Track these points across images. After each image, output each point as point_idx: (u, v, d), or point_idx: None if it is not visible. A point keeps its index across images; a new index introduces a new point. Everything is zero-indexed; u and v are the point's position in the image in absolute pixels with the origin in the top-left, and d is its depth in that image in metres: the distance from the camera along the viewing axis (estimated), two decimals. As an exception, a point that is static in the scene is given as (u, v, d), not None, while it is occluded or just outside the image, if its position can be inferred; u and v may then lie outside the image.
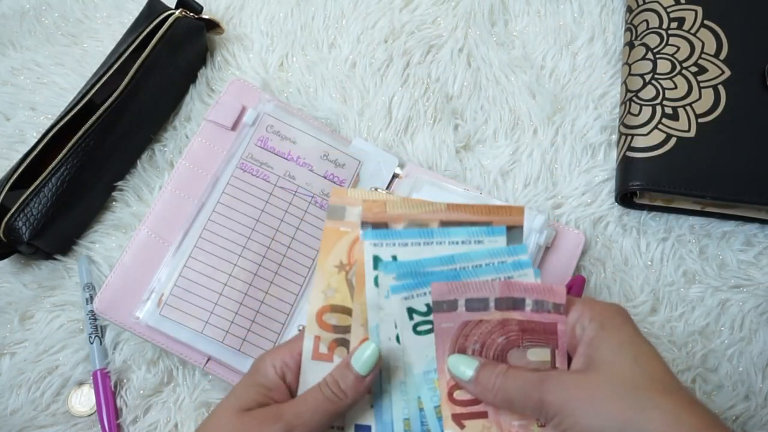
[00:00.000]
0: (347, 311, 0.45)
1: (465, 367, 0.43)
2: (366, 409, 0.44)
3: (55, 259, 0.62)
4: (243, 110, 0.62)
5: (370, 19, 0.69)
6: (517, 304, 0.44)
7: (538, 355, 0.45)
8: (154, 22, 0.62)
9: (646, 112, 0.62)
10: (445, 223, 0.46)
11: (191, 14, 0.64)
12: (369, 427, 0.44)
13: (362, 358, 0.43)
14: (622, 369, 0.41)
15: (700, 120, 0.61)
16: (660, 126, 0.61)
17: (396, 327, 0.44)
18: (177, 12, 0.63)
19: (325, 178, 0.61)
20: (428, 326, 0.44)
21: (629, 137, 0.62)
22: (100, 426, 0.57)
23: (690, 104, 0.61)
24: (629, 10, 0.67)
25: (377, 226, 0.45)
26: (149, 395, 0.58)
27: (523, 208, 0.46)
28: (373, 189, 0.51)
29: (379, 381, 0.44)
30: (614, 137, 0.65)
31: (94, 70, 0.64)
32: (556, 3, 0.70)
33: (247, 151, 0.60)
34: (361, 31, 0.69)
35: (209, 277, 0.57)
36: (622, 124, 0.63)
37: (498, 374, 0.42)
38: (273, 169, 0.60)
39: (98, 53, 0.68)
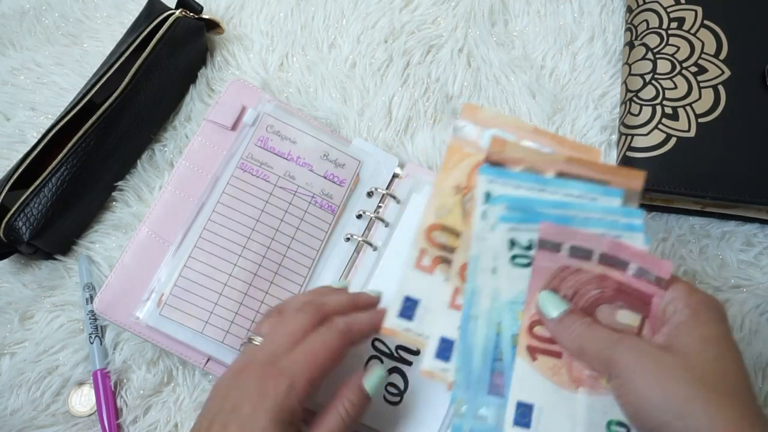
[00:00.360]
0: (456, 233, 0.46)
1: (553, 306, 0.44)
2: (452, 327, 0.45)
3: (55, 259, 0.62)
4: (243, 110, 0.62)
5: (370, 19, 0.69)
6: (620, 265, 0.45)
7: (628, 318, 0.45)
8: (154, 22, 0.62)
9: (646, 112, 0.62)
10: (561, 175, 0.46)
11: (191, 14, 0.64)
12: (452, 342, 0.44)
13: (372, 381, 0.47)
14: (700, 362, 0.40)
15: (700, 120, 0.61)
16: (660, 126, 0.61)
17: (494, 259, 0.45)
18: (177, 12, 0.63)
19: (325, 178, 0.61)
20: (525, 260, 0.45)
21: (629, 137, 0.62)
22: (100, 426, 0.57)
23: (690, 104, 0.61)
24: (629, 10, 0.67)
25: (495, 163, 0.46)
26: (149, 395, 0.58)
27: (643, 173, 0.46)
28: (495, 113, 0.49)
29: (468, 305, 0.45)
30: (614, 137, 0.65)
31: (94, 70, 0.64)
32: (556, 3, 0.70)
33: (247, 151, 0.60)
34: (361, 31, 0.69)
35: (209, 277, 0.57)
36: (622, 124, 0.63)
37: (582, 323, 0.43)
38: (273, 169, 0.60)
39: (98, 53, 0.68)
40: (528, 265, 0.45)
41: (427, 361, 0.43)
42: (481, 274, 0.45)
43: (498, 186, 0.46)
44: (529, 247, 0.45)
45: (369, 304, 0.51)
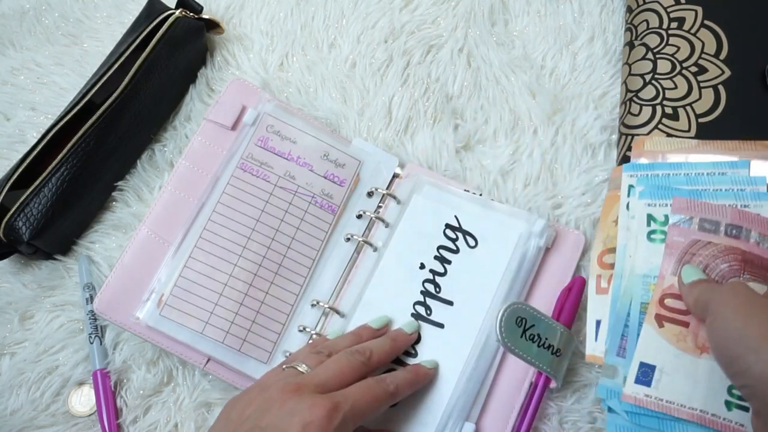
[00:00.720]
0: None
1: (690, 275, 0.48)
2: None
3: (55, 259, 0.62)
4: (243, 110, 0.62)
5: (370, 19, 0.69)
6: (744, 234, 0.49)
7: (756, 289, 0.48)
8: (154, 22, 0.62)
9: (646, 112, 0.62)
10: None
11: (191, 14, 0.64)
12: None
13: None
14: None
15: (700, 120, 0.61)
16: (660, 126, 0.61)
17: (635, 239, 0.52)
18: (177, 12, 0.63)
19: (325, 178, 0.61)
20: (662, 236, 0.51)
21: (629, 137, 0.62)
22: (100, 426, 0.57)
23: (690, 104, 0.61)
24: (629, 10, 0.67)
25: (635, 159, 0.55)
26: (149, 395, 0.58)
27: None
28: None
29: (615, 288, 0.52)
30: (614, 137, 0.65)
31: (94, 70, 0.64)
32: (556, 3, 0.70)
33: (247, 150, 0.60)
34: (361, 31, 0.69)
35: (209, 277, 0.57)
36: (622, 124, 0.63)
37: (706, 284, 0.47)
38: (273, 169, 0.60)
39: (98, 53, 0.68)
40: (663, 240, 0.51)
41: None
42: (626, 261, 0.52)
43: (638, 177, 0.54)
44: (665, 222, 0.51)
45: (406, 343, 0.56)
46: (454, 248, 0.59)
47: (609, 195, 0.57)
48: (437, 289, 0.58)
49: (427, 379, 0.55)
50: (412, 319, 0.57)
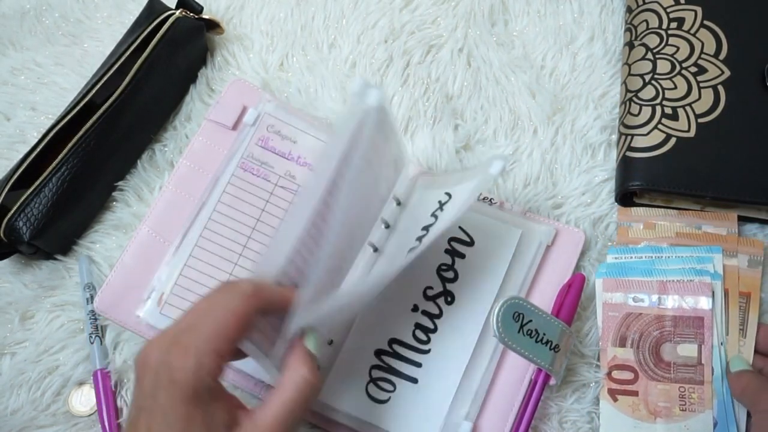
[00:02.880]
0: None
1: (737, 365, 0.55)
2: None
3: (56, 259, 0.62)
4: (244, 110, 0.62)
5: (370, 19, 0.69)
6: (667, 302, 0.57)
7: (687, 351, 0.56)
8: (155, 22, 0.62)
9: (646, 112, 0.62)
10: (674, 244, 0.60)
11: (191, 14, 0.64)
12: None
13: (311, 341, 0.46)
14: None
15: (699, 120, 0.61)
16: (660, 126, 0.61)
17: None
18: (177, 12, 0.63)
19: None
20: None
21: (629, 137, 0.62)
22: (100, 426, 0.57)
23: (690, 104, 0.62)
24: (629, 10, 0.68)
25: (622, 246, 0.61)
26: (149, 395, 0.58)
27: (760, 244, 0.59)
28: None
29: None
30: (614, 137, 0.65)
31: (95, 70, 0.64)
32: (556, 3, 0.70)
33: (248, 150, 0.60)
34: (361, 31, 0.69)
35: (210, 276, 0.57)
36: (622, 124, 0.63)
37: (749, 375, 0.54)
38: (274, 168, 0.60)
39: (98, 53, 0.68)
40: None
41: None
42: None
43: (623, 261, 0.59)
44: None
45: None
46: (434, 221, 0.56)
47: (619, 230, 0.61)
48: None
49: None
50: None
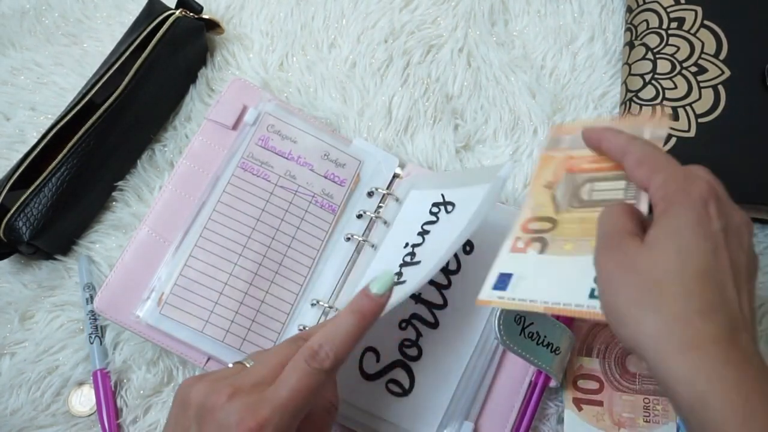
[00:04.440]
0: (549, 219, 0.47)
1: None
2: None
3: (55, 259, 0.61)
4: (244, 109, 0.62)
5: (370, 19, 0.69)
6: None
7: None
8: (154, 22, 0.62)
9: (646, 112, 0.62)
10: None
11: (191, 14, 0.64)
12: (510, 275, 0.45)
13: (380, 282, 0.43)
14: (659, 258, 0.37)
15: (700, 120, 0.61)
16: (660, 126, 0.61)
17: None
18: (177, 12, 0.63)
19: (325, 177, 0.61)
20: None
21: (629, 137, 0.62)
22: (100, 426, 0.57)
23: (690, 104, 0.61)
24: (629, 10, 0.67)
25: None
26: (149, 395, 0.58)
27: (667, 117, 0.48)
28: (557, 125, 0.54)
29: None
30: (614, 137, 0.65)
31: (94, 70, 0.64)
32: (556, 3, 0.70)
33: (248, 150, 0.60)
34: (361, 31, 0.69)
35: (210, 276, 0.57)
36: (622, 124, 0.63)
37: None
38: (274, 168, 0.60)
39: (98, 53, 0.68)
40: None
41: (485, 292, 0.44)
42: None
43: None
44: None
45: (375, 310, 0.44)
46: (435, 219, 0.57)
47: (543, 155, 0.50)
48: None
49: (376, 313, 0.43)
50: (387, 272, 0.44)
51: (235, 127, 0.62)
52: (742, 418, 0.33)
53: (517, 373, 0.56)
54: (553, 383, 0.55)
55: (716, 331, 0.35)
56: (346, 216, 0.61)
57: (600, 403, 0.55)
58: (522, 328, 0.52)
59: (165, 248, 0.58)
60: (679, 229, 0.38)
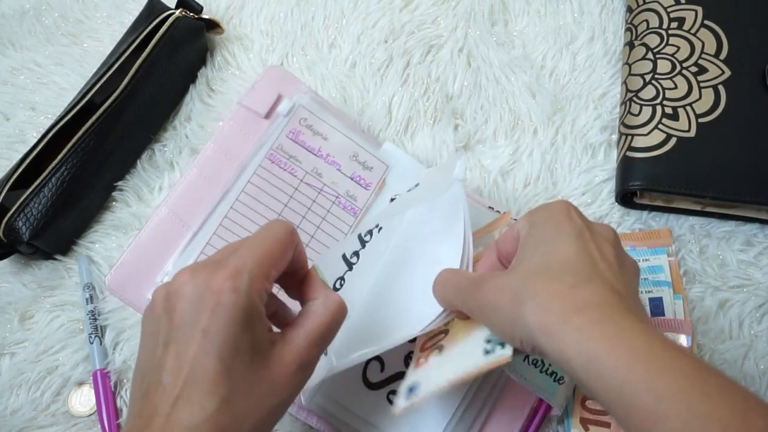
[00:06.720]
0: (443, 331, 0.50)
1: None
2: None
3: (55, 259, 0.61)
4: (278, 98, 0.61)
5: (370, 19, 0.69)
6: None
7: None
8: (154, 22, 0.62)
9: (646, 112, 0.62)
10: None
11: (191, 14, 0.64)
12: (418, 383, 0.46)
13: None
14: (526, 264, 0.39)
15: (700, 120, 0.61)
16: (660, 126, 0.61)
17: None
18: (177, 12, 0.63)
19: (351, 179, 0.60)
20: None
21: (629, 137, 0.62)
22: (100, 426, 0.57)
23: (690, 104, 0.61)
24: (629, 10, 0.67)
25: None
26: (149, 395, 0.58)
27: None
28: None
29: None
30: (614, 137, 0.65)
31: (94, 70, 0.64)
32: (556, 3, 0.70)
33: (277, 142, 0.59)
34: (361, 31, 0.69)
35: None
36: (622, 124, 0.63)
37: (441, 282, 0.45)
38: (301, 163, 0.59)
39: (98, 53, 0.68)
40: None
41: (398, 406, 0.45)
42: None
43: None
44: None
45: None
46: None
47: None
48: None
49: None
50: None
51: (267, 115, 0.60)
52: (633, 360, 0.34)
53: (518, 399, 0.55)
54: (554, 411, 0.54)
55: (593, 297, 0.36)
56: (366, 220, 0.60)
57: (608, 425, 0.54)
58: (526, 354, 0.52)
59: (183, 232, 0.57)
60: (543, 236, 0.40)
